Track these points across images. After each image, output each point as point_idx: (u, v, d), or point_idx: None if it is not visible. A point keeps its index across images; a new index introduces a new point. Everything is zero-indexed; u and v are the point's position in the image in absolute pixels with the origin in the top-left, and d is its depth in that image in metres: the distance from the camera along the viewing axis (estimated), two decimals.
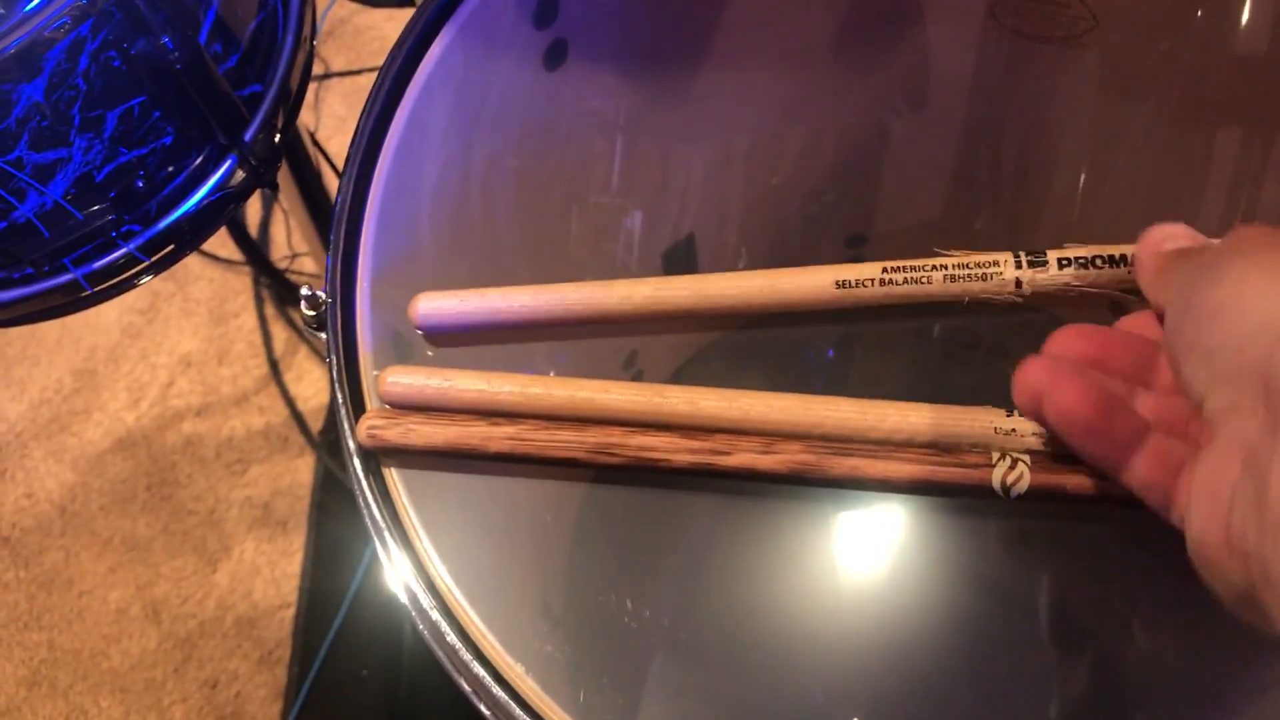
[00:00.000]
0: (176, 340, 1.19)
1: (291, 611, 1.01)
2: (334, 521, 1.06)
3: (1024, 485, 0.38)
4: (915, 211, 0.73)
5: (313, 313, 0.42)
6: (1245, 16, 0.58)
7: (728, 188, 0.70)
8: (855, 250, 0.76)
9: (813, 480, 0.41)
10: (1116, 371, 0.35)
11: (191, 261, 1.23)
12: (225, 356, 1.18)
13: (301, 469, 1.10)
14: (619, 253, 0.67)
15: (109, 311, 1.21)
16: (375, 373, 0.42)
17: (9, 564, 1.07)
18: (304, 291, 0.42)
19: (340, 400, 0.40)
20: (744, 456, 0.40)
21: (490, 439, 0.40)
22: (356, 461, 0.39)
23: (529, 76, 0.55)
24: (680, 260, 0.70)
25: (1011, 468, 0.38)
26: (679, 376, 0.75)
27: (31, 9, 0.40)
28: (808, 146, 0.69)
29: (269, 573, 1.04)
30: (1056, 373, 0.34)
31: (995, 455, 0.39)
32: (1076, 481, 0.38)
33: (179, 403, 1.15)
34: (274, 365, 1.16)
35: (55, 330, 1.21)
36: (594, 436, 0.41)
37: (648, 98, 0.61)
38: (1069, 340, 0.37)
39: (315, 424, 1.12)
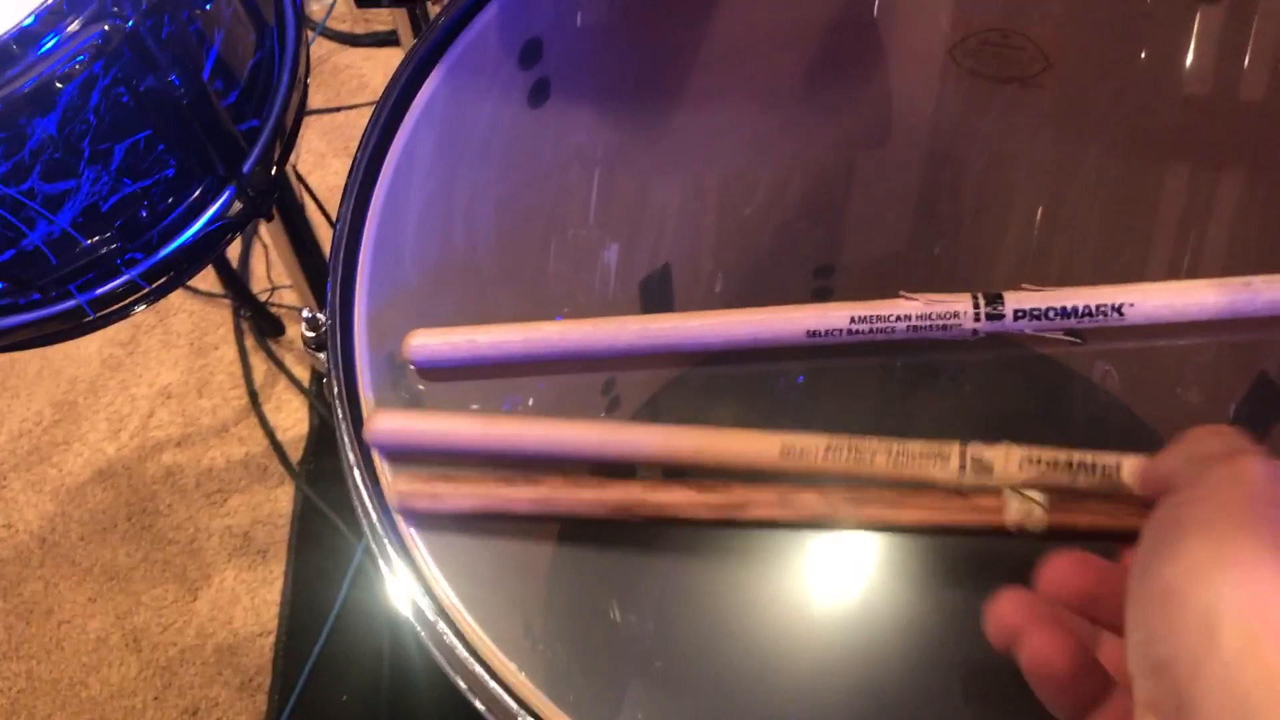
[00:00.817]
0: (157, 372, 1.20)
1: (271, 638, 1.02)
2: (313, 549, 1.07)
3: (1040, 525, 0.38)
4: (880, 243, 0.77)
5: (313, 334, 0.45)
6: (1189, 58, 0.61)
7: (702, 219, 0.73)
8: (823, 280, 0.79)
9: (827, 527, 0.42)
10: (1109, 610, 0.30)
11: (172, 294, 1.25)
12: (205, 388, 1.19)
13: (281, 498, 1.11)
14: (597, 282, 0.70)
15: (89, 344, 1.22)
16: (371, 394, 0.45)
17: None
18: (305, 314, 0.45)
19: (340, 415, 0.42)
20: (762, 510, 0.41)
21: (514, 502, 0.42)
22: (357, 474, 0.41)
23: (514, 113, 0.57)
24: (657, 289, 0.73)
25: (1026, 511, 0.38)
26: (655, 403, 0.78)
27: (49, 49, 0.42)
28: (778, 181, 0.72)
29: (249, 600, 1.05)
30: (1033, 616, 0.31)
31: (1008, 495, 0.39)
32: (1089, 521, 0.37)
33: (159, 433, 1.16)
34: (254, 396, 1.18)
35: (35, 363, 1.22)
36: (614, 495, 0.42)
37: (626, 134, 0.64)
38: (1067, 572, 0.32)
39: (295, 454, 1.14)
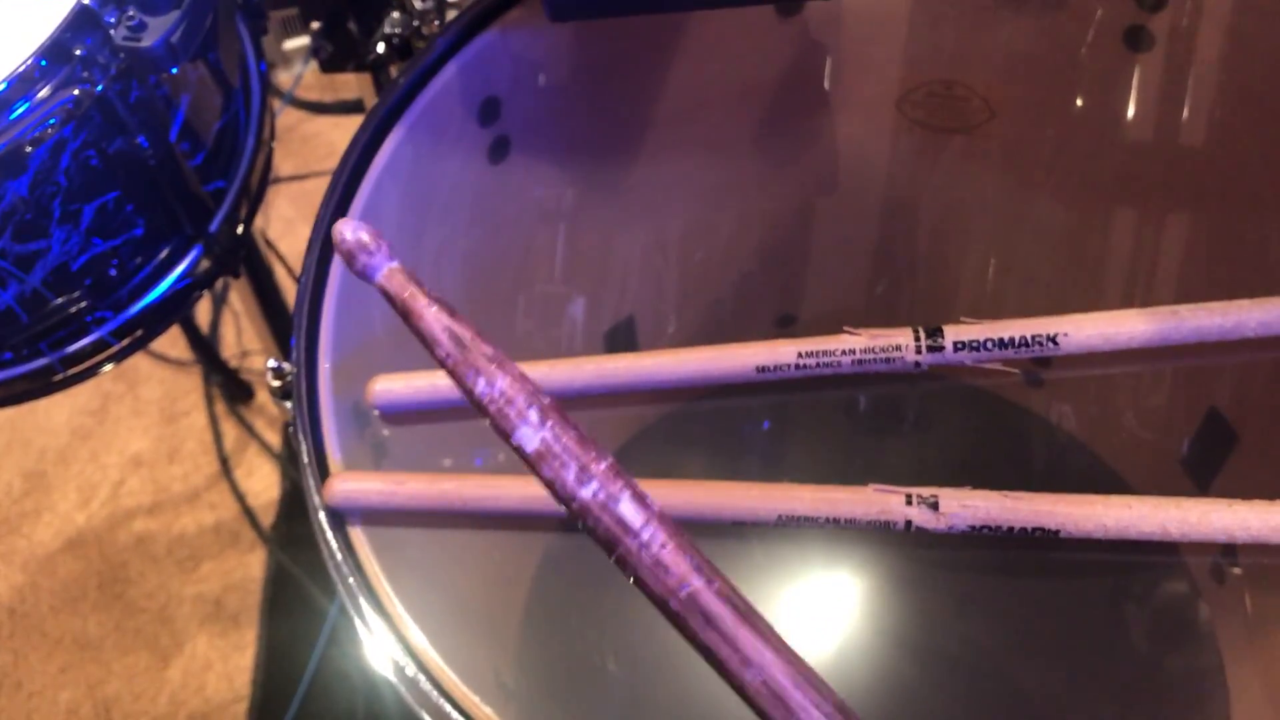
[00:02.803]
0: (127, 440, 1.20)
1: (245, 705, 1.01)
2: (286, 614, 1.07)
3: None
4: (838, 291, 0.78)
5: (279, 383, 0.46)
6: (1129, 105, 0.63)
7: (664, 271, 0.75)
8: (785, 330, 0.81)
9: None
10: None
11: (141, 362, 1.25)
12: (176, 455, 1.19)
13: (252, 564, 1.11)
14: (564, 336, 0.71)
15: (59, 413, 1.22)
16: (335, 441, 0.46)
17: None
18: (270, 364, 0.46)
19: (306, 461, 0.43)
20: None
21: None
22: (323, 516, 0.42)
23: (475, 170, 0.59)
24: (622, 340, 0.74)
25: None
26: (622, 454, 0.78)
27: (20, 114, 0.44)
28: (736, 232, 0.74)
29: (221, 667, 1.04)
30: None
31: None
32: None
33: (130, 501, 1.16)
34: (224, 462, 1.18)
35: (4, 433, 1.21)
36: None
37: (587, 189, 0.66)
38: None
39: (266, 519, 1.14)
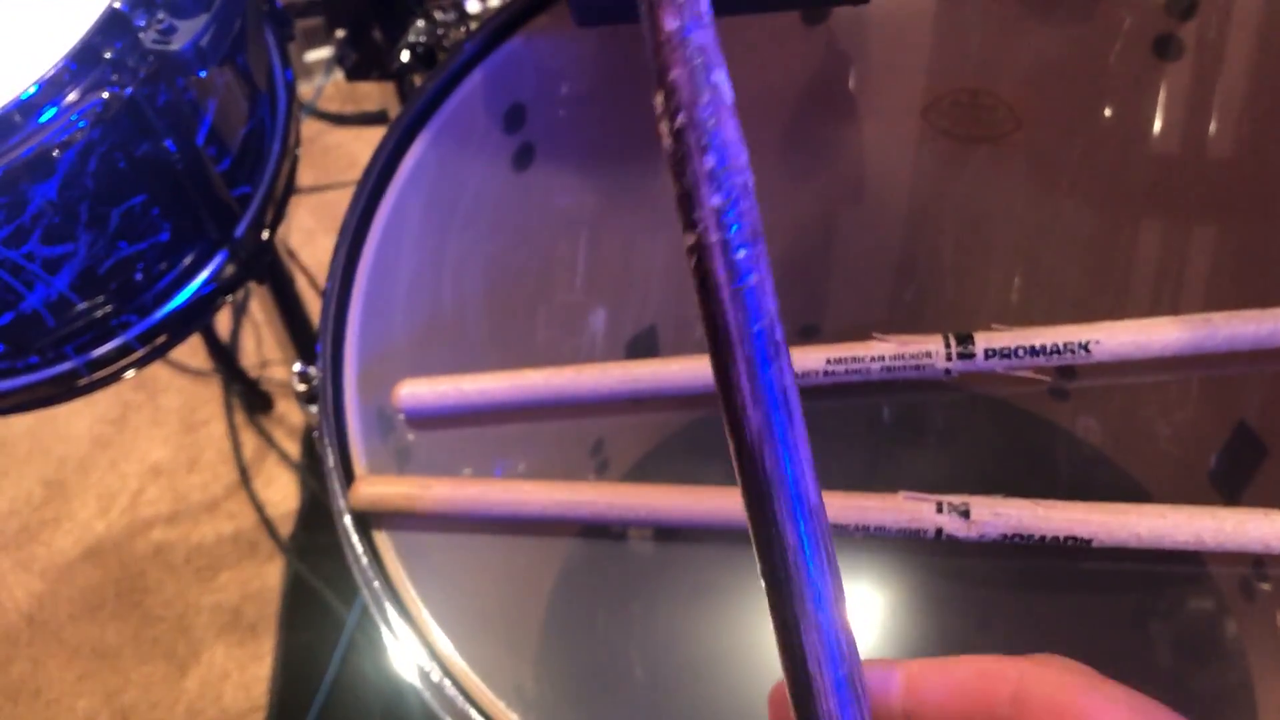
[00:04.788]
0: (146, 449, 1.20)
1: (262, 715, 1.01)
2: (303, 625, 1.07)
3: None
4: (862, 301, 0.78)
5: (304, 387, 0.45)
6: (1156, 114, 0.63)
7: (686, 281, 0.74)
8: (808, 341, 0.81)
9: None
10: None
11: (161, 372, 1.25)
12: (195, 464, 1.19)
13: (271, 573, 1.11)
14: (585, 345, 0.71)
15: (79, 422, 1.22)
16: (361, 446, 0.45)
17: None
18: (296, 368, 0.45)
19: (332, 465, 0.43)
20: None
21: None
22: (348, 520, 0.42)
23: (499, 177, 0.59)
24: (643, 350, 0.74)
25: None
26: (643, 464, 0.78)
27: (50, 118, 0.44)
28: None
29: (239, 677, 1.04)
30: None
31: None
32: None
33: (149, 510, 1.16)
34: (243, 472, 1.18)
35: (25, 442, 1.22)
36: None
37: (610, 196, 0.65)
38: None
39: (284, 529, 1.14)
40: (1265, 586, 0.57)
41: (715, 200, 0.17)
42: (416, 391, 0.47)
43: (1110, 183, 0.66)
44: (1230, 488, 0.63)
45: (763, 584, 0.21)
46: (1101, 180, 0.67)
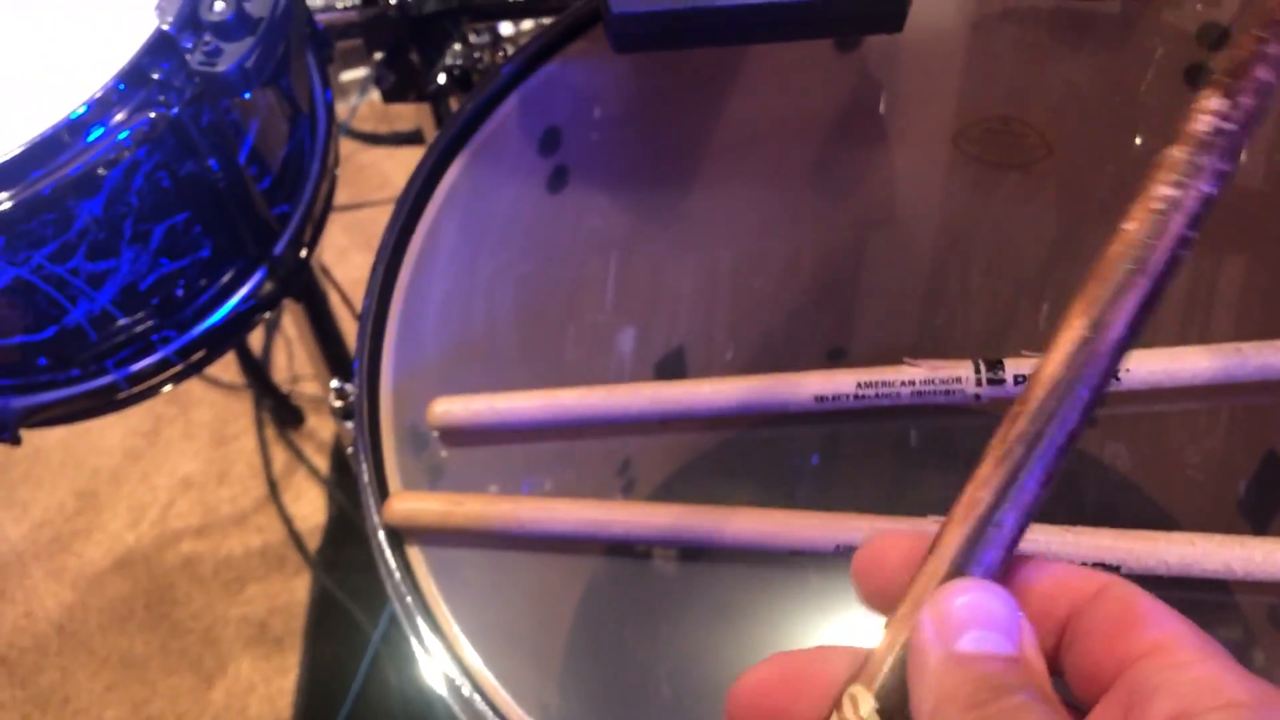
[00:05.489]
0: (177, 462, 1.22)
1: None
2: (329, 638, 1.07)
3: None
4: (891, 325, 0.78)
5: (340, 403, 0.46)
6: None
7: (715, 303, 0.75)
8: (836, 364, 0.81)
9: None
10: None
11: (193, 386, 1.27)
12: (225, 477, 1.21)
13: (298, 587, 1.11)
14: (613, 365, 0.72)
15: (111, 434, 1.24)
16: (395, 462, 0.46)
17: (5, 683, 1.07)
18: (334, 384, 0.46)
19: (366, 480, 0.44)
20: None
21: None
22: (383, 535, 0.42)
23: (533, 199, 0.60)
24: (671, 372, 0.74)
25: None
26: (670, 484, 0.78)
27: (97, 136, 0.45)
28: (789, 263, 0.74)
29: (264, 690, 1.05)
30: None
31: None
32: None
33: (178, 523, 1.17)
34: (273, 486, 1.19)
35: (58, 453, 1.24)
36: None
37: (642, 218, 0.66)
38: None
39: (313, 543, 1.14)
40: None
41: None
42: (451, 409, 0.47)
43: None
44: (1259, 517, 0.62)
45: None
46: (1129, 208, 0.67)
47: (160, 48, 0.45)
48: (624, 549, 0.64)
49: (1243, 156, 0.62)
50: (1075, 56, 0.62)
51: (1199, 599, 0.58)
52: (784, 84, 0.63)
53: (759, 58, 0.62)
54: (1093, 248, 0.71)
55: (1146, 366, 0.43)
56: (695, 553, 0.61)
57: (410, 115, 1.44)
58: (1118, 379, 0.43)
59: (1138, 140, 0.64)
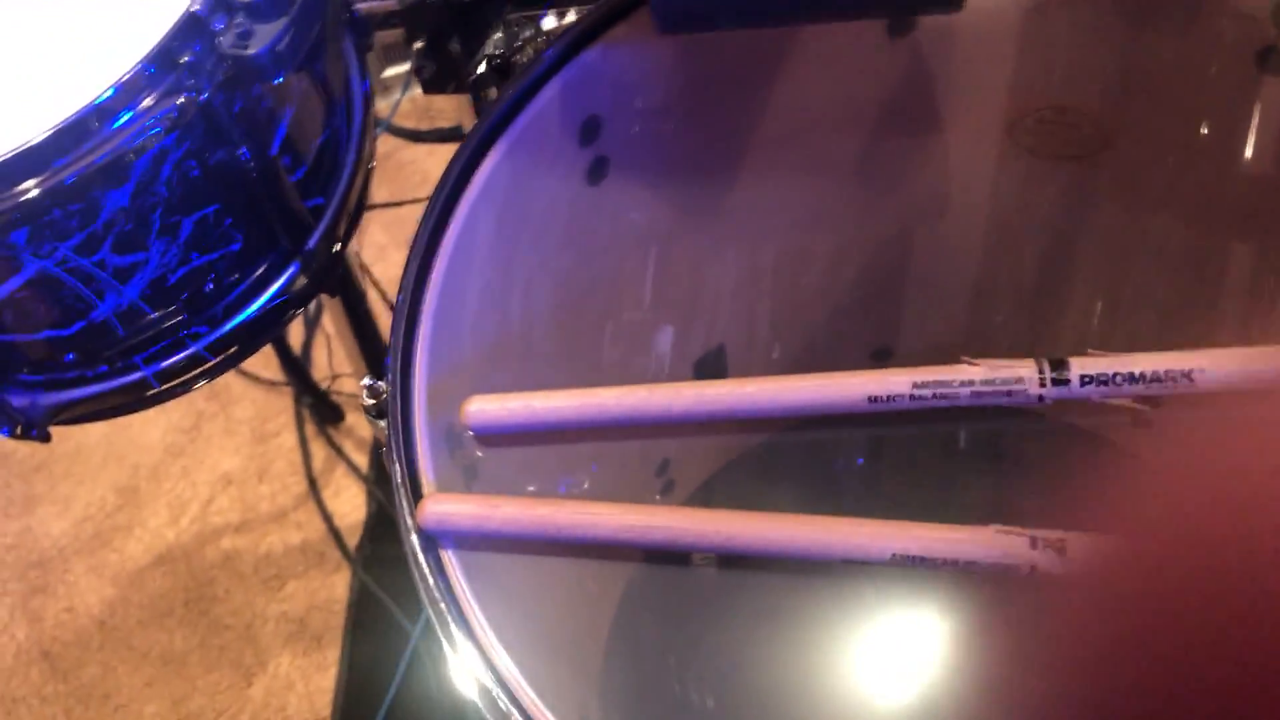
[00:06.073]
0: (218, 458, 1.22)
1: None
2: (368, 636, 1.06)
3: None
4: (939, 323, 0.76)
5: (373, 401, 0.45)
6: (1252, 132, 0.60)
7: (757, 300, 0.73)
8: (882, 364, 0.79)
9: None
10: None
11: (234, 382, 1.27)
12: (265, 474, 1.20)
13: (337, 584, 1.11)
14: (652, 364, 0.70)
15: (153, 430, 1.24)
16: (429, 462, 0.45)
17: (48, 677, 1.08)
18: (365, 382, 0.45)
19: (399, 481, 0.42)
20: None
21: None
22: (415, 538, 0.41)
23: (572, 191, 0.58)
24: (711, 371, 0.72)
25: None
26: (710, 485, 0.76)
27: (124, 122, 0.44)
28: (834, 259, 0.72)
29: (303, 687, 1.04)
30: None
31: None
32: None
33: (218, 519, 1.17)
34: (312, 482, 1.18)
35: (101, 449, 1.24)
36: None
37: (682, 212, 0.64)
38: None
39: (352, 540, 1.14)
40: None
41: None
42: (486, 408, 0.46)
43: (1203, 202, 0.64)
44: None
45: None
46: (1193, 200, 0.64)
47: (190, 30, 0.44)
48: (662, 554, 0.62)
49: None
50: (1137, 40, 0.60)
51: None
52: (831, 72, 0.61)
53: (805, 45, 0.60)
54: (1150, 241, 0.69)
55: (1223, 367, 0.41)
56: (734, 558, 0.59)
57: (452, 112, 1.43)
58: (1190, 380, 0.41)
59: (1204, 130, 0.61)
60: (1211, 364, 0.41)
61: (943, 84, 0.64)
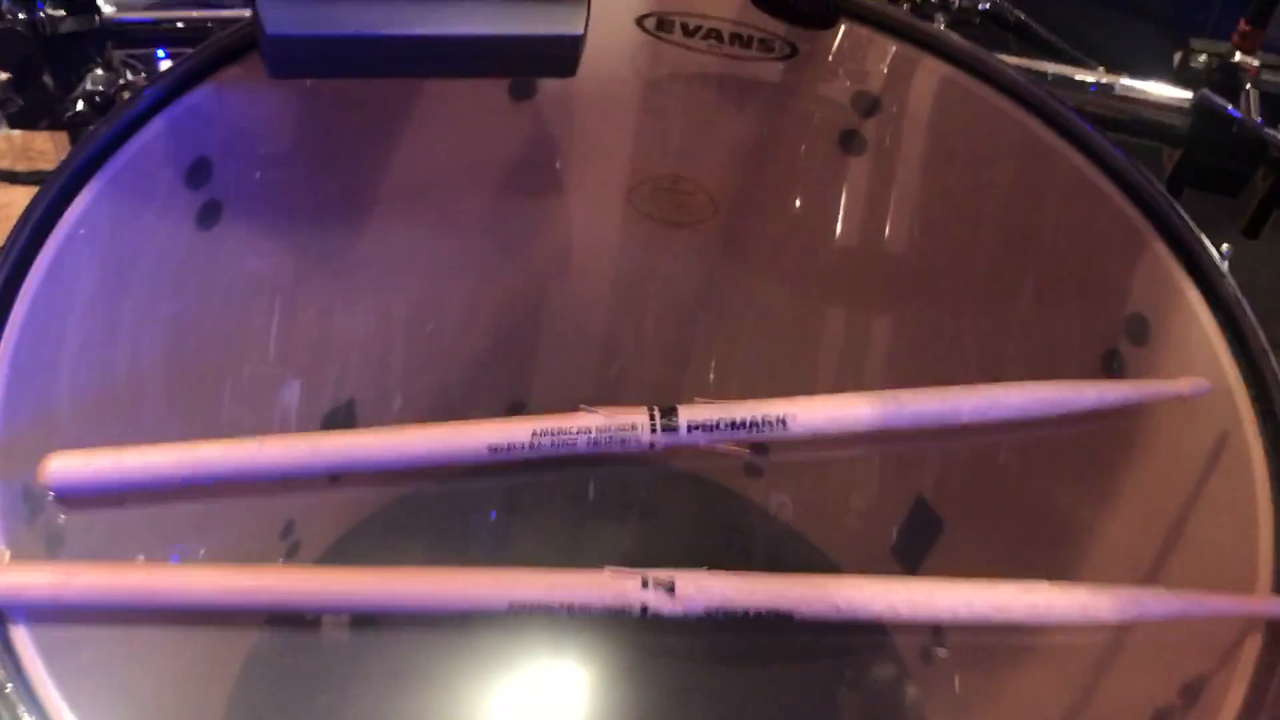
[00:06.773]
0: None
1: None
2: None
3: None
4: (570, 378, 0.78)
5: None
6: (841, 205, 0.67)
7: (389, 353, 0.72)
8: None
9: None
10: None
11: None
12: None
13: None
14: (277, 420, 0.67)
15: None
16: (1, 528, 0.40)
17: None
18: None
19: None
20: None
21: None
22: None
23: (182, 235, 0.54)
24: (340, 425, 0.70)
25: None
26: (340, 547, 0.74)
27: None
28: (466, 312, 0.72)
29: None
30: None
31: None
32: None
33: None
34: None
35: None
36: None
37: (306, 262, 0.62)
38: None
39: None
40: (942, 652, 0.60)
41: None
42: (68, 465, 0.41)
43: (801, 269, 0.70)
44: (911, 559, 0.66)
45: None
46: (792, 266, 0.70)
47: None
48: (289, 618, 0.59)
49: (889, 214, 0.66)
50: (739, 118, 0.65)
51: (860, 641, 0.60)
52: (459, 130, 0.62)
53: (432, 102, 0.60)
54: (758, 302, 0.74)
55: (811, 413, 0.45)
56: (368, 619, 0.57)
57: (52, 153, 1.31)
58: (784, 425, 0.44)
59: (798, 203, 0.67)
60: (802, 410, 0.44)
61: (565, 148, 0.66)
